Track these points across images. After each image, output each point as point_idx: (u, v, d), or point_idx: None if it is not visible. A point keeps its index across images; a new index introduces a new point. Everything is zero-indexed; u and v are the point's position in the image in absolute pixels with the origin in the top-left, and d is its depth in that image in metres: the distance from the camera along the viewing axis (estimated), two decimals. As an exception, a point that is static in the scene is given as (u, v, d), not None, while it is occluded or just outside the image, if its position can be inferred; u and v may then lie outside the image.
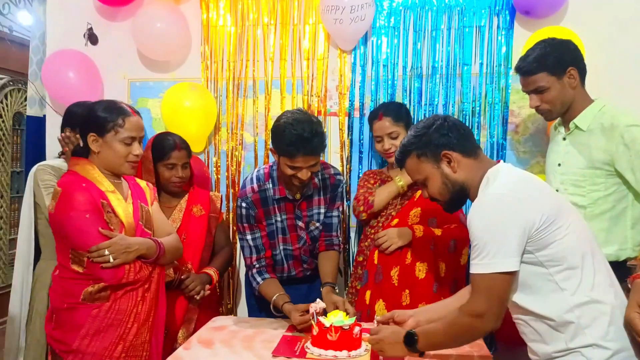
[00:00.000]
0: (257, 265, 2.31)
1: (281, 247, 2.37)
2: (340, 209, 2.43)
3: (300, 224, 2.35)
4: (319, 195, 2.35)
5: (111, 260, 1.88)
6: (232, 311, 3.08)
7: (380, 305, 2.26)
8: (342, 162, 3.01)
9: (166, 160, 2.42)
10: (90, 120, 1.99)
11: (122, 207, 1.99)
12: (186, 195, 2.55)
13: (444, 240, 2.28)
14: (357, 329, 1.87)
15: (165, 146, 2.43)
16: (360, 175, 2.96)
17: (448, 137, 1.67)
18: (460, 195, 1.69)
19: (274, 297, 2.19)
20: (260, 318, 2.32)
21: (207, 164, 3.11)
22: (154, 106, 3.13)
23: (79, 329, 1.90)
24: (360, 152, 2.99)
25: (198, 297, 2.37)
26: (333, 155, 3.02)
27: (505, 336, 2.60)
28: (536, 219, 1.50)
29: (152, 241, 2.02)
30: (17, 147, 4.98)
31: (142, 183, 2.20)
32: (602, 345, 1.49)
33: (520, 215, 1.49)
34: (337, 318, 1.87)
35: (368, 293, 2.30)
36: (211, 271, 2.46)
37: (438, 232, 2.27)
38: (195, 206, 2.53)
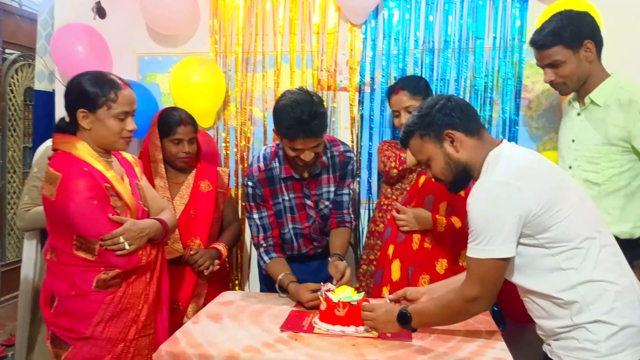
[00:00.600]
0: (265, 245, 2.31)
1: (290, 226, 2.36)
2: (352, 186, 2.40)
3: (309, 202, 2.33)
4: (327, 174, 2.32)
5: (127, 247, 1.83)
6: (241, 286, 3.09)
7: (396, 266, 2.25)
8: (352, 137, 2.98)
9: (172, 136, 2.40)
10: (80, 95, 1.86)
11: (123, 187, 1.94)
12: (193, 171, 2.54)
13: (465, 233, 2.26)
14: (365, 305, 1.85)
15: (171, 121, 2.40)
16: (372, 151, 2.94)
17: (451, 116, 1.66)
18: (464, 176, 1.69)
19: (280, 277, 2.19)
20: (269, 293, 2.32)
21: (216, 139, 3.10)
22: (162, 81, 3.10)
23: (91, 317, 1.84)
24: (371, 128, 2.95)
25: (207, 272, 2.37)
26: (343, 131, 2.99)
27: (514, 313, 2.60)
28: (532, 206, 1.50)
29: (158, 222, 1.99)
30: (28, 122, 4.99)
31: (129, 157, 2.12)
32: (606, 321, 1.49)
33: (516, 203, 1.49)
34: (345, 293, 1.86)
35: (391, 248, 2.30)
36: (220, 246, 2.46)
37: (458, 223, 2.24)
38: (202, 182, 2.52)
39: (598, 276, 1.51)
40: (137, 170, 2.10)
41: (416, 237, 2.26)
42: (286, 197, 2.31)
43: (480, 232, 1.52)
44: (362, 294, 1.89)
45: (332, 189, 2.33)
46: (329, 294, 1.89)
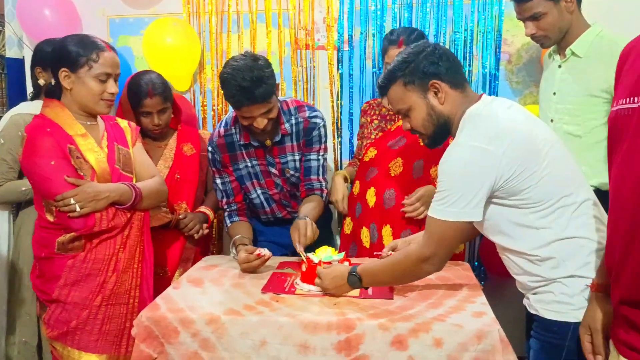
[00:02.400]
0: (228, 209, 2.33)
1: (259, 192, 2.34)
2: (321, 153, 2.30)
3: (273, 170, 2.29)
4: (292, 142, 2.26)
5: (77, 209, 1.80)
6: (224, 252, 3.08)
7: (387, 230, 2.24)
8: (332, 97, 2.93)
9: (140, 108, 2.31)
10: (62, 55, 1.87)
11: (93, 151, 1.90)
12: (175, 134, 2.47)
13: None
14: (345, 265, 1.84)
15: (138, 93, 2.29)
16: (352, 110, 2.89)
17: (438, 65, 1.59)
18: (444, 129, 1.64)
19: (234, 238, 2.20)
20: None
21: (193, 103, 3.04)
22: (135, 44, 3.01)
23: (57, 279, 1.86)
24: (351, 87, 2.90)
25: (197, 236, 2.36)
26: (322, 91, 2.94)
27: (495, 268, 2.61)
28: (506, 171, 1.47)
29: (127, 186, 1.93)
30: (2, 92, 4.84)
31: (123, 123, 2.10)
32: (581, 275, 1.49)
33: (490, 169, 1.46)
34: (326, 254, 1.86)
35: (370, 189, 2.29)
36: (207, 210, 2.44)
37: None
38: (185, 145, 2.46)
39: (573, 233, 1.49)
40: (129, 136, 2.07)
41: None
42: (248, 164, 2.27)
43: (448, 194, 1.50)
44: (342, 254, 1.89)
45: (297, 157, 2.28)
46: (309, 254, 1.88)
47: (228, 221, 2.32)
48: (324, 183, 2.31)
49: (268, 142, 2.23)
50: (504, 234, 1.55)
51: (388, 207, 2.23)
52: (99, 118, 2.00)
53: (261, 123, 2.07)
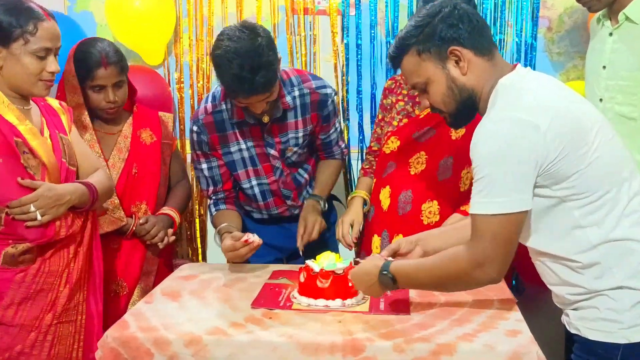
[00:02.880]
0: (214, 197, 2.36)
1: (254, 182, 2.35)
2: (338, 124, 2.42)
3: (272, 152, 2.30)
4: (295, 117, 2.28)
5: (39, 217, 1.80)
6: (204, 257, 3.11)
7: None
8: (336, 72, 2.94)
9: (92, 81, 2.27)
10: None
11: (40, 142, 1.86)
12: (130, 118, 2.43)
13: None
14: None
15: (88, 62, 2.25)
16: (361, 88, 2.88)
17: (458, 29, 1.58)
18: (469, 105, 1.63)
19: (219, 227, 2.22)
20: (240, 265, 2.32)
21: (167, 80, 3.04)
22: (97, 9, 3.01)
23: (1, 298, 1.81)
24: (359, 60, 2.90)
25: (162, 245, 2.35)
26: (324, 65, 2.94)
27: (535, 276, 2.61)
28: (551, 149, 1.45)
29: (84, 186, 1.93)
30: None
31: (55, 103, 2.05)
32: (632, 286, 1.48)
33: (534, 145, 1.45)
34: (329, 261, 1.85)
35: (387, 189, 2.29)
36: (171, 212, 2.43)
37: None
38: (143, 131, 2.43)
39: (623, 234, 1.49)
40: (65, 119, 2.03)
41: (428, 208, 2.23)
42: (243, 146, 2.29)
43: (488, 181, 1.47)
44: (349, 260, 1.88)
45: (300, 134, 2.30)
46: (309, 262, 1.88)
47: (213, 209, 2.35)
48: (343, 145, 2.49)
49: (266, 119, 2.22)
50: (541, 235, 1.55)
51: (402, 212, 2.23)
52: (31, 100, 1.94)
53: (259, 107, 2.10)
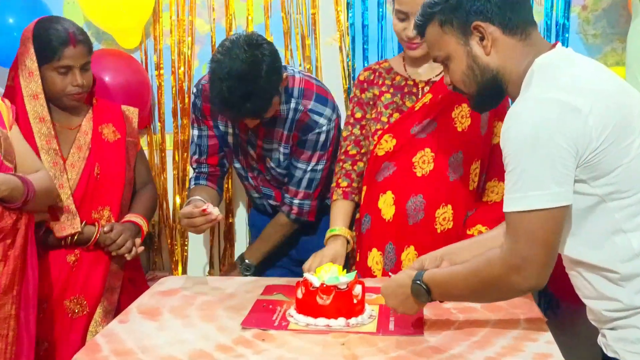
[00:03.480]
0: (197, 170, 2.51)
1: (237, 165, 2.49)
2: (314, 163, 2.39)
3: (251, 152, 2.39)
4: (283, 129, 2.35)
5: None
6: (186, 269, 3.11)
7: (410, 254, 2.25)
8: (342, 57, 2.93)
9: (58, 61, 2.27)
10: None
11: None
12: (89, 111, 2.43)
13: None
14: (358, 289, 1.85)
15: (53, 40, 2.25)
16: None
17: (486, 2, 1.60)
18: (492, 88, 1.65)
19: (190, 199, 2.28)
20: (228, 277, 2.32)
21: (145, 65, 3.05)
22: (65, -17, 3.02)
23: None
24: (366, 43, 2.91)
25: (130, 256, 2.35)
26: (325, 49, 2.94)
27: (569, 292, 2.61)
28: (594, 135, 1.45)
29: (18, 179, 1.94)
30: None
31: None
32: None
33: (573, 129, 1.44)
34: (330, 274, 1.85)
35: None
36: (138, 219, 2.43)
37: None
38: (105, 126, 2.43)
39: None
40: (5, 115, 2.07)
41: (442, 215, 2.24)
42: (230, 130, 2.40)
43: (521, 173, 1.46)
44: (353, 273, 1.88)
45: (282, 150, 2.38)
46: (308, 275, 1.88)
47: (192, 183, 2.50)
48: (296, 201, 2.43)
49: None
50: (577, 240, 1.54)
51: (414, 221, 2.22)
52: None
53: (250, 123, 2.25)
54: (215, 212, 2.08)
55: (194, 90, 2.44)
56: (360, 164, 2.35)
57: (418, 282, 1.67)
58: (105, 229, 2.32)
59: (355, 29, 2.91)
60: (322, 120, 2.34)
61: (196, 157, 2.48)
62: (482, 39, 1.61)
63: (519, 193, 1.47)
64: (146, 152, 3.03)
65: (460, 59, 1.64)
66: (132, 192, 2.51)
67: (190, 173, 2.67)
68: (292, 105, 2.33)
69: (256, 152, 2.38)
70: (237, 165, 2.50)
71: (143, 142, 3.07)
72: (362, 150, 2.35)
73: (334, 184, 2.36)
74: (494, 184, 2.27)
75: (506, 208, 1.51)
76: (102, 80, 2.71)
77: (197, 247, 3.12)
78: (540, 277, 1.51)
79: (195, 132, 2.47)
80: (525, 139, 1.46)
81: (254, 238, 2.70)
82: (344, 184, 2.33)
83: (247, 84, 2.05)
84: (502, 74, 1.61)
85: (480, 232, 2.18)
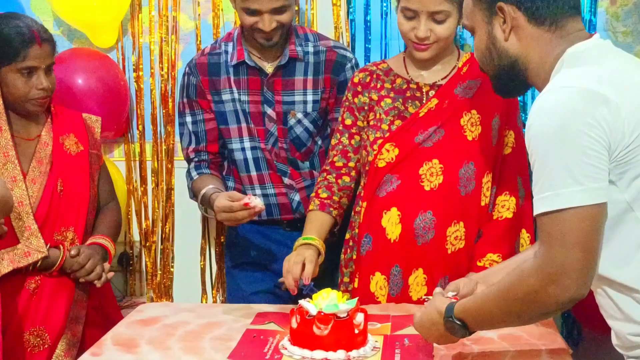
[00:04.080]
0: (196, 159, 2.55)
1: (247, 143, 2.51)
2: None
3: (269, 112, 2.46)
4: (305, 74, 2.47)
5: None
6: (167, 294, 3.11)
7: (419, 277, 2.25)
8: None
9: (21, 62, 2.27)
10: None
11: None
12: (48, 121, 2.43)
13: None
14: (359, 317, 1.85)
15: (16, 39, 2.26)
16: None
17: None
18: (511, 75, 1.68)
19: (204, 190, 2.35)
20: (214, 305, 2.32)
21: (122, 66, 3.06)
22: (32, -24, 3.03)
23: None
24: (368, 42, 2.93)
25: (100, 283, 2.35)
26: (322, 48, 2.95)
27: (596, 321, 2.61)
28: (626, 129, 1.45)
29: None
30: None
31: None
32: None
33: (602, 120, 1.44)
34: (329, 301, 1.85)
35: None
36: (105, 241, 2.44)
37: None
38: (66, 137, 2.43)
39: None
40: None
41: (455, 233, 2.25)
42: (236, 96, 2.47)
43: (550, 169, 1.46)
44: (355, 300, 1.88)
45: (309, 97, 2.47)
46: (303, 302, 1.88)
47: (194, 173, 2.51)
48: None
49: (269, 69, 2.44)
50: (603, 253, 1.52)
51: (423, 241, 2.23)
52: None
53: (268, 23, 2.33)
54: (258, 203, 2.14)
55: (187, 69, 2.53)
56: (346, 178, 2.35)
57: (450, 318, 1.67)
58: (72, 252, 2.31)
59: (356, 25, 2.93)
60: (350, 54, 2.53)
61: (193, 146, 2.54)
62: (504, 22, 1.65)
63: (549, 191, 1.46)
64: (123, 164, 3.07)
65: (482, 37, 1.70)
66: (96, 210, 2.52)
67: (186, 166, 2.65)
68: (310, 48, 2.49)
69: (276, 110, 2.47)
70: (245, 144, 2.53)
71: (119, 152, 3.10)
72: (350, 163, 2.35)
73: (313, 194, 2.37)
74: (505, 199, 2.27)
75: (536, 210, 1.50)
76: (73, 84, 2.73)
77: (184, 268, 3.12)
78: (581, 286, 1.49)
79: (189, 118, 2.54)
80: (552, 132, 1.46)
81: (243, 258, 2.68)
82: (324, 195, 2.34)
83: None
84: (523, 62, 1.65)
85: (493, 263, 2.19)
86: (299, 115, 2.48)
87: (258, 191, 2.54)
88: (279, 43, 2.41)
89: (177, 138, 2.56)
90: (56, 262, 2.30)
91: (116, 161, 3.08)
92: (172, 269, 3.11)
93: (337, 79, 2.49)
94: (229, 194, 2.24)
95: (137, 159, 3.09)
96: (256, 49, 2.46)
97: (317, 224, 2.30)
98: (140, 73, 3.07)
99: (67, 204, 2.37)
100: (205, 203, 2.36)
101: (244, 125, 2.48)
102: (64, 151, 2.41)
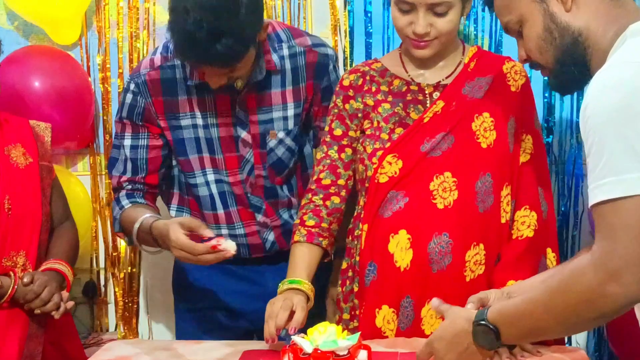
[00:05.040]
0: (129, 187, 2.45)
1: (210, 176, 2.42)
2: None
3: (244, 135, 2.39)
4: (283, 86, 2.39)
5: None
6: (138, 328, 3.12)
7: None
8: (336, 48, 2.96)
9: None
10: None
11: None
12: None
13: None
14: (362, 355, 1.86)
15: None
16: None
17: None
18: (573, 56, 1.68)
19: (141, 219, 2.28)
20: (194, 342, 2.32)
21: (87, 66, 3.08)
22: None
23: None
24: (368, 36, 2.96)
25: (58, 314, 2.35)
26: (319, 43, 2.96)
27: (633, 351, 2.63)
28: None
29: None
30: None
31: None
32: None
33: None
34: (326, 336, 1.85)
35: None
36: (62, 266, 2.44)
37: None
38: (13, 148, 2.43)
39: None
40: None
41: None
42: (199, 121, 2.37)
43: (609, 153, 1.46)
44: (357, 335, 1.88)
45: (290, 112, 2.41)
46: (297, 338, 1.88)
47: (126, 202, 2.42)
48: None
49: (239, 84, 2.31)
50: None
51: (439, 268, 2.21)
52: None
53: (214, 82, 2.21)
54: (231, 248, 2.07)
55: (132, 86, 2.38)
56: (335, 199, 2.31)
57: (483, 322, 1.66)
58: (25, 279, 2.31)
59: (354, 16, 2.95)
60: (330, 52, 2.47)
61: (128, 176, 2.44)
62: None
63: (610, 177, 1.47)
64: (87, 178, 3.07)
65: (535, 19, 1.71)
66: (49, 231, 2.52)
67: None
68: (285, 51, 2.38)
69: (250, 132, 2.39)
70: (209, 176, 2.43)
71: (84, 165, 3.10)
72: (339, 181, 2.32)
73: (297, 220, 2.32)
74: (525, 214, 2.25)
75: (594, 199, 1.50)
76: (29, 87, 2.75)
77: (159, 300, 3.13)
78: None
79: (127, 141, 2.42)
80: (614, 110, 1.47)
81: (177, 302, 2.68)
82: (311, 222, 2.28)
83: (219, 17, 2.06)
84: (586, 37, 1.66)
85: None
86: (280, 135, 2.41)
87: (225, 231, 2.46)
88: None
89: (121, 98, 2.44)
90: (7, 292, 2.29)
91: (80, 175, 3.09)
92: (140, 300, 3.12)
93: (320, 84, 2.43)
94: (184, 222, 2.16)
95: (105, 172, 3.08)
96: None
97: (305, 261, 2.25)
98: (108, 74, 3.08)
99: (17, 225, 2.37)
100: (144, 233, 2.27)
101: (205, 155, 2.40)
102: (11, 164, 2.42)
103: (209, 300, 2.55)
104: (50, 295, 2.32)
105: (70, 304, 2.39)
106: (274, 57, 2.34)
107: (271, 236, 2.50)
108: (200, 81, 2.31)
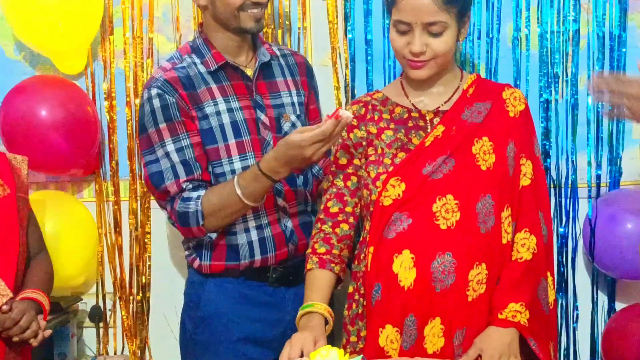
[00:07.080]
0: (191, 187, 2.41)
1: (237, 164, 2.44)
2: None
3: (263, 117, 2.47)
4: (283, 75, 2.56)
5: None
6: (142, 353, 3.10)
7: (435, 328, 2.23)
8: (337, 82, 2.97)
9: None
10: None
11: None
12: None
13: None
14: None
15: None
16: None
17: None
18: None
19: (235, 177, 2.33)
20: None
21: (92, 95, 3.08)
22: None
23: None
24: (368, 63, 2.95)
25: (36, 342, 2.35)
26: (320, 69, 2.93)
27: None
28: None
29: None
30: None
31: None
32: None
33: None
34: (328, 359, 1.84)
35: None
36: (38, 295, 2.43)
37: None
38: None
39: None
40: None
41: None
42: (222, 107, 2.44)
43: None
44: (360, 357, 1.88)
45: (295, 99, 2.55)
46: (298, 361, 1.88)
47: (195, 194, 2.39)
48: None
49: (249, 72, 2.46)
50: None
51: (442, 287, 2.21)
52: None
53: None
54: (349, 112, 2.16)
55: (154, 91, 2.40)
56: (344, 226, 2.33)
57: None
58: (4, 307, 2.30)
59: (355, 44, 2.94)
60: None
61: (184, 177, 2.40)
62: None
63: None
64: (93, 205, 3.06)
65: None
66: (25, 260, 2.51)
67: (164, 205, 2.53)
68: (277, 51, 2.60)
69: (268, 115, 2.49)
70: (235, 164, 2.45)
71: (90, 190, 3.10)
72: (347, 208, 2.34)
73: (309, 250, 2.34)
74: (525, 236, 2.27)
75: None
76: (36, 116, 2.77)
77: (165, 323, 3.09)
78: None
79: (170, 147, 2.40)
80: None
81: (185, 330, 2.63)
82: (322, 250, 2.31)
83: None
84: None
85: (516, 315, 2.18)
86: (293, 118, 2.53)
87: (252, 222, 2.47)
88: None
89: (145, 110, 2.41)
90: None
91: (86, 202, 3.09)
92: (142, 323, 3.10)
93: (312, 83, 2.62)
94: (296, 131, 2.22)
95: (111, 199, 3.08)
96: (229, 53, 2.47)
97: (319, 286, 2.28)
98: (113, 102, 3.07)
99: None
100: (246, 182, 2.29)
101: (232, 142, 2.44)
102: None
103: (231, 332, 2.49)
104: (29, 323, 2.32)
105: (48, 332, 2.39)
106: (274, 49, 2.56)
107: (290, 224, 2.53)
108: (217, 64, 2.44)
